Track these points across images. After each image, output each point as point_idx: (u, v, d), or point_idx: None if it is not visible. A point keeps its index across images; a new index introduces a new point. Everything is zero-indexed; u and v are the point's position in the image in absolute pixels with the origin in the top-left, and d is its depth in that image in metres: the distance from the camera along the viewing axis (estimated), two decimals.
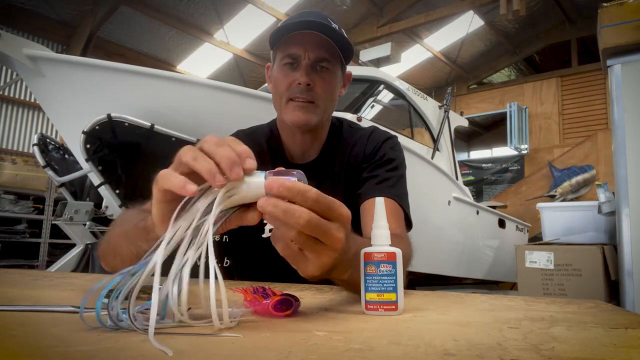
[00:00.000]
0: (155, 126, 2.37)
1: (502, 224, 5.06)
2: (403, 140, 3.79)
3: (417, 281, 4.29)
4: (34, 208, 5.51)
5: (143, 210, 0.73)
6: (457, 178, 4.54)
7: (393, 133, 1.19)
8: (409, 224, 1.07)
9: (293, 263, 0.52)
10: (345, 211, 0.52)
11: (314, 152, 1.13)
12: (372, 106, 4.06)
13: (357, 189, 1.08)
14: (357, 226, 1.00)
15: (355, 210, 1.05)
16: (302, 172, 0.52)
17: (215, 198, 0.49)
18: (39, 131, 7.28)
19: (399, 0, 9.49)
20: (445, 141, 4.60)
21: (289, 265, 0.54)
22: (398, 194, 1.04)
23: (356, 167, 1.12)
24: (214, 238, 0.48)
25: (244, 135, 1.16)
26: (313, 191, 0.49)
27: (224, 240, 1.20)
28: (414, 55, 10.70)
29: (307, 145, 1.12)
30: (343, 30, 1.06)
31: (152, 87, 2.47)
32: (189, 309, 0.47)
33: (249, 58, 9.48)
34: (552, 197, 7.94)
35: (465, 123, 5.48)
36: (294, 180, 0.49)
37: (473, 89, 12.08)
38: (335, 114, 1.17)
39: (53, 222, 4.06)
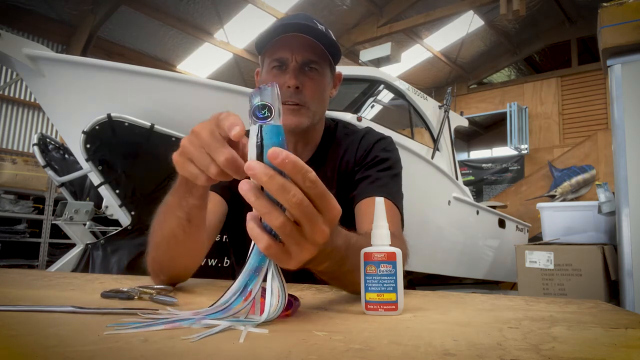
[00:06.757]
0: (155, 126, 2.36)
1: (502, 224, 5.06)
2: (403, 140, 3.80)
3: (417, 281, 4.29)
4: (34, 208, 5.50)
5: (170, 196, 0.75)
6: (457, 178, 4.54)
7: (388, 133, 1.19)
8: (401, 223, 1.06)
9: (275, 257, 0.50)
10: (336, 206, 0.50)
11: (306, 154, 1.13)
12: (372, 106, 4.07)
13: (350, 192, 1.07)
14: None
15: (349, 214, 1.04)
16: (275, 83, 0.50)
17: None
18: (39, 131, 7.28)
19: (399, 0, 9.49)
20: (445, 141, 4.60)
21: None
22: (392, 192, 1.04)
23: (349, 171, 1.11)
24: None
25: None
26: (313, 173, 0.47)
27: (223, 239, 1.19)
28: (414, 55, 10.69)
29: (299, 148, 1.12)
30: (330, 31, 1.06)
31: (152, 87, 2.47)
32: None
33: (249, 58, 9.47)
34: (552, 197, 7.93)
35: (465, 123, 5.48)
36: (295, 157, 0.46)
37: (473, 89, 12.07)
38: (335, 114, 1.16)
39: (53, 222, 4.05)
